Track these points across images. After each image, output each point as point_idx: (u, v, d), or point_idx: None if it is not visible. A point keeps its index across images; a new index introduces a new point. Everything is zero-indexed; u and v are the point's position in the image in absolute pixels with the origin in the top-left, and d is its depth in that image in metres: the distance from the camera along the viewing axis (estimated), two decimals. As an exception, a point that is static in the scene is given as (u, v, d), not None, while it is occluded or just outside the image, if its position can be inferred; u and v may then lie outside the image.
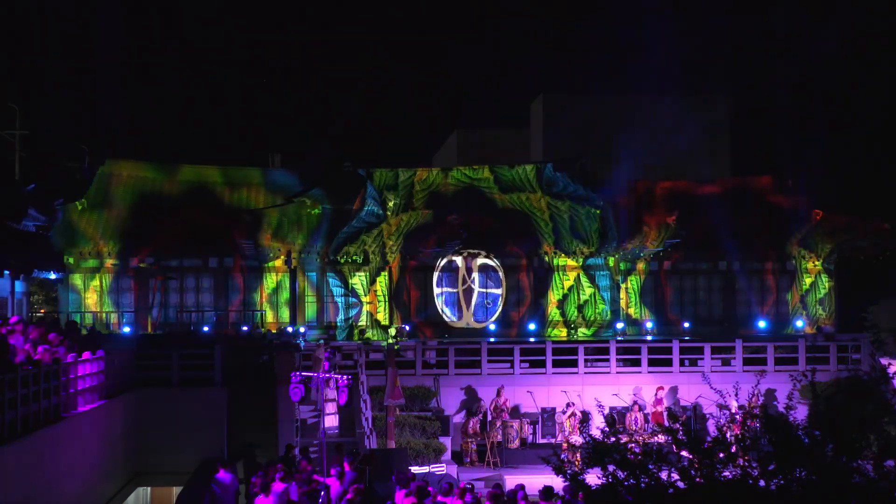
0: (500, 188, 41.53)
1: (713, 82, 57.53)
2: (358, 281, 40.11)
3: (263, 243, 37.80)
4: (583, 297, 41.48)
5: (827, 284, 42.74)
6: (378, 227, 39.56)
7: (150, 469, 24.69)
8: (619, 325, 40.63)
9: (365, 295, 40.14)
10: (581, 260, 41.36)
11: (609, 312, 41.58)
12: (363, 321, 39.76)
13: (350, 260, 39.86)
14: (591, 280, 41.48)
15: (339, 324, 39.68)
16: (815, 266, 42.70)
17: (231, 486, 20.33)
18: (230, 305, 39.67)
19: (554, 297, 41.43)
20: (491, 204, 41.70)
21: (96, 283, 38.90)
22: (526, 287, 41.41)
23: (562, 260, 41.42)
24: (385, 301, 40.26)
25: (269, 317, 39.37)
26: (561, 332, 40.49)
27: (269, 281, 39.73)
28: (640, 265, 42.08)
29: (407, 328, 38.78)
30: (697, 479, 11.83)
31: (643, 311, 41.98)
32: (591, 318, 41.30)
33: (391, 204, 39.44)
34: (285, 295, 39.83)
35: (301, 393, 23.08)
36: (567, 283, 41.47)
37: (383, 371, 28.93)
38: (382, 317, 40.18)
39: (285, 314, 39.61)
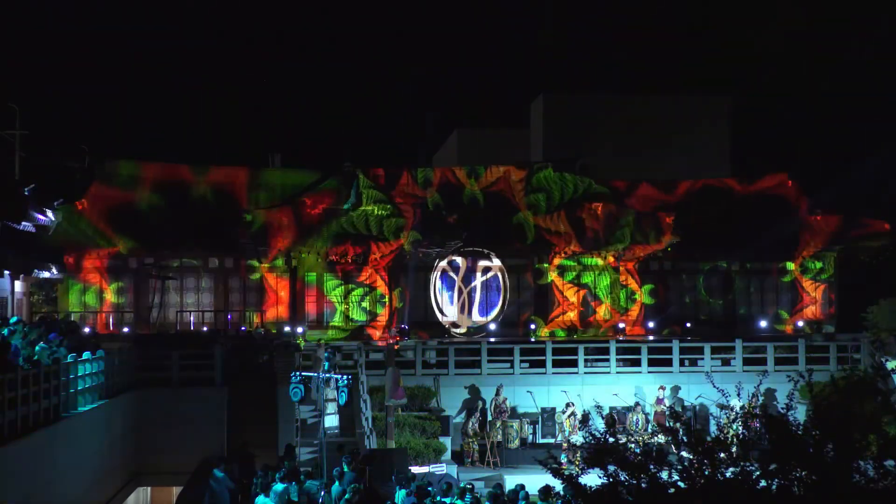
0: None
1: (714, 82, 57.57)
2: (358, 281, 40.05)
3: (263, 243, 37.73)
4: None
5: (827, 284, 42.70)
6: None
7: (150, 469, 24.72)
8: (621, 325, 40.58)
9: (364, 295, 40.06)
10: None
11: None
12: (362, 318, 39.69)
13: (350, 260, 39.79)
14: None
15: (336, 323, 39.62)
16: (814, 266, 42.64)
17: (229, 484, 20.35)
18: (230, 305, 39.67)
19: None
20: (498, 205, 41.55)
21: (96, 283, 38.90)
22: (530, 287, 41.29)
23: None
24: (386, 301, 40.19)
25: (269, 316, 39.34)
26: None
27: (269, 280, 39.70)
28: (640, 265, 41.99)
29: (405, 327, 38.68)
30: (698, 479, 11.83)
31: (643, 311, 41.94)
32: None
33: (389, 205, 39.34)
34: (285, 294, 39.78)
35: (301, 393, 23.16)
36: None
37: (383, 371, 28.91)
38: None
39: (285, 314, 39.55)
